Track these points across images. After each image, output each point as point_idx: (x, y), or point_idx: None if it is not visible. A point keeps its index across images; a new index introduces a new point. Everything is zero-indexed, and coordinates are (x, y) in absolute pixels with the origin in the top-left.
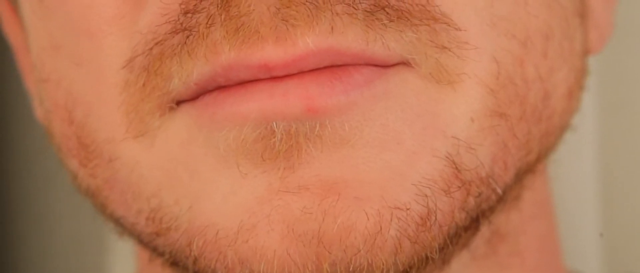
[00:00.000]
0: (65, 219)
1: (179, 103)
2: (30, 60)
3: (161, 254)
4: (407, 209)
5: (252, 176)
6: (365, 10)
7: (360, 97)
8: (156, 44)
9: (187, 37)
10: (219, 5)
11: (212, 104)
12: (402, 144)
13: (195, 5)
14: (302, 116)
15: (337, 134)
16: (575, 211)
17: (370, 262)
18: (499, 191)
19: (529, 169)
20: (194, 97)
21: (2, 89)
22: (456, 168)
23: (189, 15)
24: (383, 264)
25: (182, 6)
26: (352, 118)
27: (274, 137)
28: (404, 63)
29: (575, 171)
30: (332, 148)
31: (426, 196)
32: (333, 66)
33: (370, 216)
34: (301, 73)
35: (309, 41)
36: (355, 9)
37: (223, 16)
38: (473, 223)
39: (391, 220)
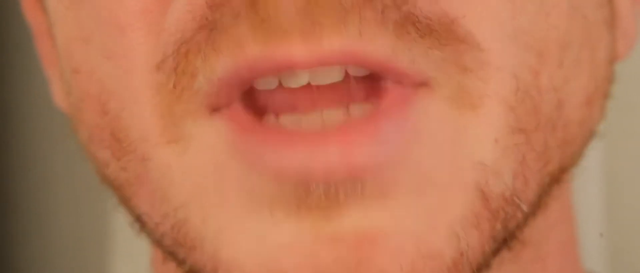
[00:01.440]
0: (65, 219)
1: (212, 111)
2: (50, 46)
3: (180, 261)
4: (441, 256)
5: (284, 223)
6: (395, 22)
7: (398, 149)
8: (183, 42)
9: (211, 31)
10: (246, 3)
11: (252, 148)
12: (436, 184)
13: (222, 1)
14: (342, 175)
15: (378, 189)
16: (576, 211)
17: None
18: (524, 207)
19: (553, 179)
20: (224, 104)
21: (2, 89)
22: (485, 198)
23: (215, 9)
24: None
25: (208, 2)
26: (392, 170)
27: (312, 196)
28: (426, 84)
29: (583, 173)
30: (372, 202)
31: (459, 237)
32: (370, 119)
33: (404, 267)
34: (339, 132)
35: (335, 41)
36: (384, 17)
37: (249, 11)
38: (503, 244)
39: (424, 269)
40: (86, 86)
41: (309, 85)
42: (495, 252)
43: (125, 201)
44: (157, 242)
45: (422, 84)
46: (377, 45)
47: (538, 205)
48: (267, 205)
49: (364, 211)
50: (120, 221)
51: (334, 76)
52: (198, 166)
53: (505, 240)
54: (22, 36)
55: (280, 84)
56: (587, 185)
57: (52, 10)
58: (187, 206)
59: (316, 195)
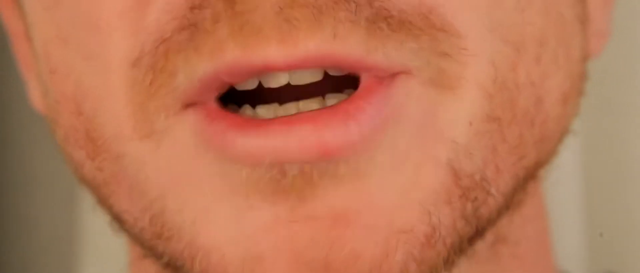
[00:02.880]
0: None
1: (186, 106)
2: (27, 48)
3: (159, 255)
4: (412, 230)
5: (259, 206)
6: (367, 19)
7: (373, 131)
8: (162, 41)
9: (193, 33)
10: (225, 1)
11: (221, 135)
12: (410, 161)
13: (201, 1)
14: (316, 159)
15: (352, 170)
16: (574, 211)
17: None
18: (494, 194)
19: (529, 175)
20: (200, 101)
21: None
22: (456, 175)
23: (196, 10)
24: None
25: (188, 3)
26: (366, 151)
27: (287, 178)
28: (405, 72)
29: (576, 171)
30: (346, 183)
31: (430, 213)
32: (344, 102)
33: (378, 243)
34: (314, 114)
35: (310, 44)
36: (356, 16)
37: (228, 13)
38: (477, 234)
39: (397, 244)
40: (62, 86)
41: (288, 84)
42: (470, 239)
43: (103, 200)
44: (137, 238)
45: (400, 73)
46: (350, 45)
47: (512, 198)
48: (242, 190)
49: (338, 191)
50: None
51: (313, 76)
52: (171, 158)
53: (478, 229)
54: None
55: (260, 84)
56: (586, 185)
57: (30, 12)
58: (163, 198)
59: (291, 176)
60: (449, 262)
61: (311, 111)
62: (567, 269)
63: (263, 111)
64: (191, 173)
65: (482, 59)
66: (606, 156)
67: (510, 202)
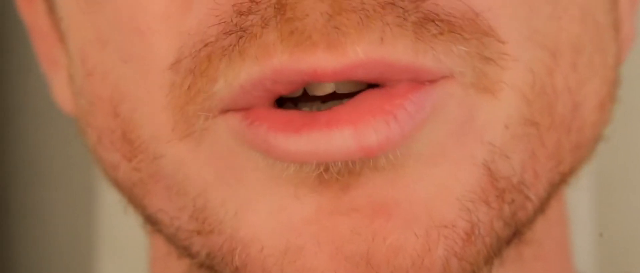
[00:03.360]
0: (56, 218)
1: (223, 112)
2: (50, 46)
3: (195, 254)
4: (453, 226)
5: (303, 197)
6: (415, 22)
7: (413, 128)
8: (205, 45)
9: (240, 38)
10: (275, 8)
11: (263, 137)
12: (447, 156)
13: (249, 6)
14: (358, 158)
15: (391, 161)
16: (575, 211)
17: None
18: (533, 198)
19: (563, 180)
20: (238, 108)
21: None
22: (492, 175)
23: (244, 16)
24: None
25: (235, 7)
26: (405, 144)
27: (330, 172)
28: (447, 76)
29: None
30: (386, 172)
31: (469, 210)
32: (384, 100)
33: (419, 236)
34: (352, 116)
35: (359, 50)
36: (404, 20)
37: (278, 18)
38: (513, 235)
39: (438, 238)
40: (99, 89)
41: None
42: (507, 240)
43: (137, 201)
44: (171, 236)
45: (442, 78)
46: (399, 49)
47: (547, 203)
48: (290, 181)
49: (378, 183)
50: (110, 222)
51: (358, 85)
52: (213, 155)
53: (516, 232)
54: (22, 35)
55: (304, 92)
56: (586, 185)
57: (67, 15)
58: (205, 193)
59: (335, 170)
60: (488, 261)
61: (350, 105)
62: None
63: (305, 107)
64: (235, 167)
65: (521, 65)
66: (613, 157)
67: (545, 206)
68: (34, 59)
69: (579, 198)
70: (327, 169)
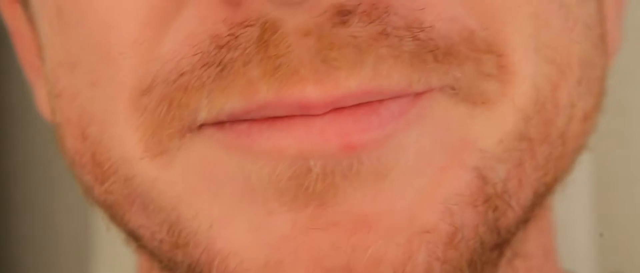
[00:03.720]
0: (55, 222)
1: (201, 126)
2: (33, 51)
3: (178, 265)
4: (435, 230)
5: (278, 212)
6: (411, 52)
7: (396, 128)
8: (180, 75)
9: (221, 71)
10: (256, 44)
11: (245, 135)
12: (432, 164)
13: (229, 41)
14: (339, 153)
15: (374, 170)
16: (575, 211)
17: None
18: (515, 206)
19: (548, 190)
20: (219, 123)
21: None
22: (482, 180)
23: (223, 50)
24: None
25: (213, 39)
26: (389, 150)
27: (310, 176)
28: (440, 89)
29: (575, 171)
30: (367, 185)
31: (453, 213)
32: (371, 101)
33: (400, 245)
34: (338, 111)
35: (352, 83)
36: (400, 50)
37: (260, 55)
38: (497, 245)
39: (420, 245)
40: (67, 110)
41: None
42: (492, 249)
43: (118, 219)
44: (155, 251)
45: (431, 89)
46: (393, 80)
47: (531, 212)
48: (262, 193)
49: (358, 195)
50: (108, 222)
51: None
52: (186, 169)
53: (499, 240)
54: None
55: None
56: (586, 185)
57: (43, 34)
58: (178, 207)
59: (314, 174)
60: (472, 266)
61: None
62: (573, 270)
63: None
64: (208, 180)
65: (524, 79)
66: (613, 156)
67: (529, 216)
68: None
69: (579, 198)
70: (307, 169)
